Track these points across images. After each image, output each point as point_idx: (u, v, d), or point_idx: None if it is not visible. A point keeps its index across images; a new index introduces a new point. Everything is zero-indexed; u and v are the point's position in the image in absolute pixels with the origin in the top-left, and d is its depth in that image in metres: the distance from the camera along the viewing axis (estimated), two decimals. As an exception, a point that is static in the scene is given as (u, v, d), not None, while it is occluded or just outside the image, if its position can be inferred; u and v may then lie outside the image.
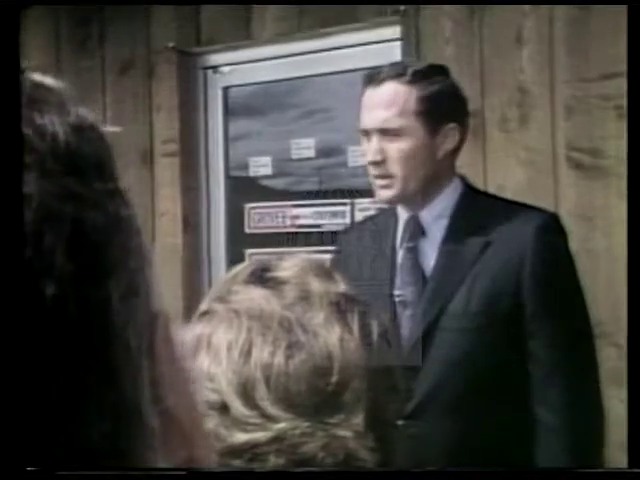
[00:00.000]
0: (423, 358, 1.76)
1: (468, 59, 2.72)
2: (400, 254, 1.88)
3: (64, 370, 0.29)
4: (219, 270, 3.32)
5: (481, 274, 1.78)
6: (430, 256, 1.84)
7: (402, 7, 2.80)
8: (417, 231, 1.86)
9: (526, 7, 2.63)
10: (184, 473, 0.38)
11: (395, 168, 1.82)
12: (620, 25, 2.26)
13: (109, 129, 0.34)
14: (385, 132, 1.82)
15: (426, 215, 1.86)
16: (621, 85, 2.31)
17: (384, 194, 1.85)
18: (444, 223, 1.84)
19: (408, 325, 1.81)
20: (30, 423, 0.29)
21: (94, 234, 0.30)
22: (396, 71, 1.84)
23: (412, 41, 2.79)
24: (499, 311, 1.77)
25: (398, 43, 2.85)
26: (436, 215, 1.86)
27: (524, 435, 1.76)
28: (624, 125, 2.24)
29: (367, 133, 1.85)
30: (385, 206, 2.01)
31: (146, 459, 0.33)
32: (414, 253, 1.85)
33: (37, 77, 0.33)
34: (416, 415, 1.71)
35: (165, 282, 3.29)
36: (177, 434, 0.36)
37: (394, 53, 2.82)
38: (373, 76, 1.85)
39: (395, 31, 2.86)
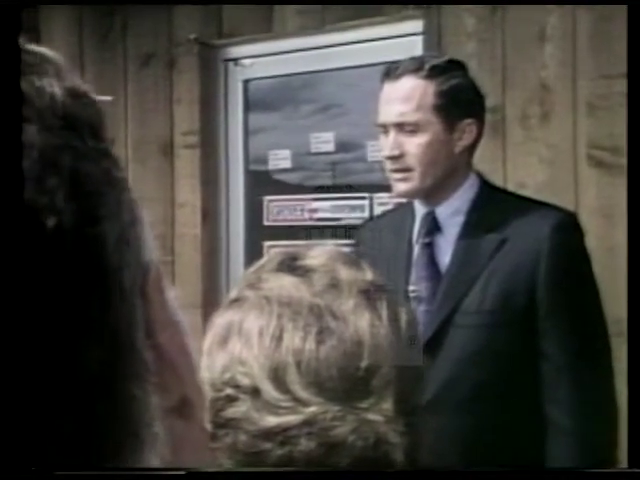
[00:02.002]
0: (436, 354, 1.76)
1: (490, 55, 2.71)
2: (416, 250, 1.88)
3: (65, 296, 0.33)
4: (237, 261, 3.34)
5: (496, 271, 1.78)
6: (446, 252, 1.84)
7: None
8: (433, 227, 1.86)
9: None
10: (184, 473, 0.40)
11: (412, 162, 1.82)
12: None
13: (101, 98, 0.38)
14: (402, 126, 1.82)
15: (442, 211, 1.86)
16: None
17: (401, 188, 1.85)
18: (460, 219, 1.84)
19: (422, 321, 1.81)
20: (33, 345, 0.32)
21: (89, 183, 0.34)
22: (414, 65, 1.84)
23: (434, 36, 2.80)
24: (513, 309, 1.76)
25: (420, 37, 2.85)
26: (452, 211, 1.86)
27: (535, 433, 1.75)
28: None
29: (384, 127, 1.85)
30: (403, 201, 2.01)
31: (143, 390, 0.36)
32: (430, 249, 1.86)
33: (35, 47, 0.37)
34: (428, 410, 1.71)
35: (184, 272, 3.31)
36: (170, 371, 0.39)
37: (416, 47, 2.82)
38: (391, 70, 1.85)
39: (417, 25, 2.86)
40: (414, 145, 1.81)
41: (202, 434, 0.45)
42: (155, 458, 0.38)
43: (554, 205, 1.89)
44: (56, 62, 0.37)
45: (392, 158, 1.83)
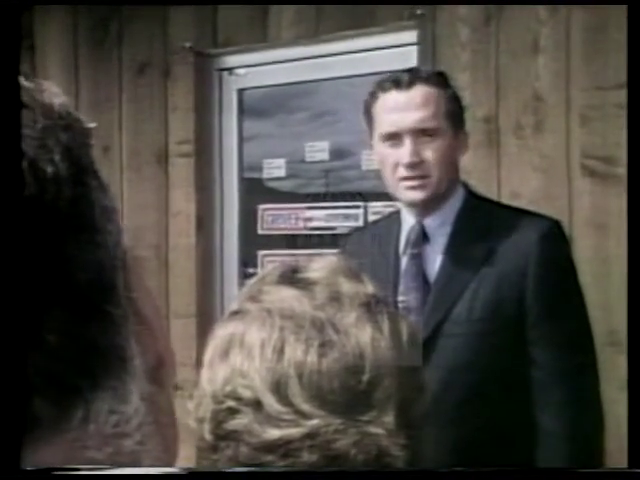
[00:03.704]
0: (426, 364, 1.76)
1: (484, 65, 2.73)
2: (404, 260, 1.89)
3: (61, 230, 0.40)
4: (231, 270, 3.34)
5: (484, 280, 1.79)
6: (434, 262, 1.85)
7: (419, 11, 2.82)
8: (421, 238, 1.88)
9: (543, 14, 2.64)
10: (185, 473, 0.41)
11: (430, 168, 1.83)
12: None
13: (89, 123, 0.46)
14: (421, 133, 1.83)
15: (431, 222, 1.87)
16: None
17: (416, 195, 1.84)
18: (448, 230, 1.86)
19: None
20: (26, 266, 0.39)
21: (80, 158, 0.42)
22: (423, 74, 1.87)
23: (428, 46, 2.81)
24: (502, 317, 1.78)
25: (414, 48, 2.87)
26: (440, 222, 1.87)
27: (526, 440, 1.77)
28: None
29: (395, 136, 1.85)
30: (392, 210, 2.02)
31: (121, 324, 0.42)
32: (418, 259, 1.87)
33: (34, 80, 0.45)
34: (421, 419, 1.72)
35: (178, 281, 3.31)
36: (145, 328, 0.45)
37: (410, 58, 2.84)
38: (401, 79, 1.85)
39: (412, 36, 2.87)
40: (432, 151, 1.83)
41: (171, 401, 0.49)
42: (135, 394, 0.43)
43: (540, 214, 1.91)
44: (53, 89, 0.45)
45: (411, 165, 1.82)
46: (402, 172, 1.84)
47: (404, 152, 1.83)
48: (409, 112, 1.83)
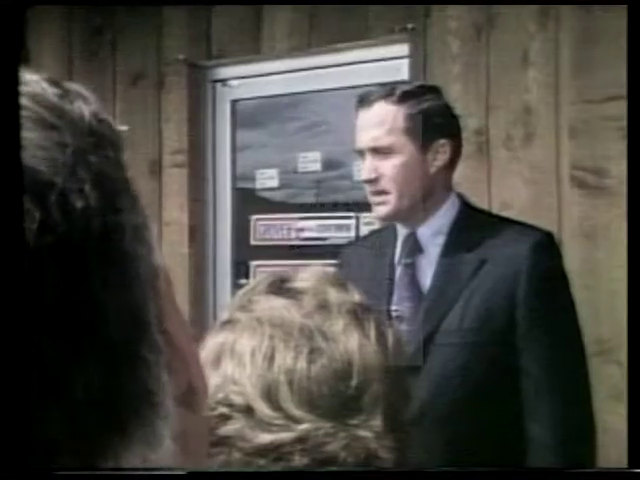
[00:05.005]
0: (417, 372, 1.78)
1: (474, 78, 2.76)
2: (398, 270, 1.91)
3: (91, 269, 0.38)
4: (224, 280, 3.36)
5: (476, 291, 1.81)
6: (427, 272, 1.88)
7: (410, 26, 2.85)
8: (414, 248, 1.90)
9: (533, 27, 2.67)
10: (184, 473, 0.42)
11: (389, 185, 1.87)
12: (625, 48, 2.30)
13: (120, 127, 0.45)
14: (377, 150, 1.88)
15: (423, 232, 1.90)
16: (625, 107, 2.35)
17: (381, 211, 1.90)
18: (441, 240, 1.88)
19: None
20: (51, 314, 0.37)
21: (111, 182, 0.40)
22: (385, 92, 1.91)
23: (420, 59, 2.84)
24: (493, 328, 1.80)
25: (406, 61, 2.90)
26: (433, 232, 1.90)
27: (516, 450, 1.78)
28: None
29: (361, 153, 1.92)
30: (385, 223, 2.05)
31: (156, 362, 0.40)
32: (411, 269, 1.89)
33: (65, 82, 0.43)
34: (411, 427, 1.73)
35: (171, 291, 3.32)
36: (177, 357, 0.43)
37: (402, 70, 2.87)
38: (364, 98, 1.91)
39: (403, 49, 2.90)
40: (389, 167, 1.87)
41: (204, 424, 0.48)
42: (166, 437, 0.41)
43: (532, 225, 1.93)
44: (83, 93, 0.43)
45: (369, 181, 1.89)
46: (367, 188, 1.92)
47: (364, 169, 1.91)
48: (367, 130, 1.89)
